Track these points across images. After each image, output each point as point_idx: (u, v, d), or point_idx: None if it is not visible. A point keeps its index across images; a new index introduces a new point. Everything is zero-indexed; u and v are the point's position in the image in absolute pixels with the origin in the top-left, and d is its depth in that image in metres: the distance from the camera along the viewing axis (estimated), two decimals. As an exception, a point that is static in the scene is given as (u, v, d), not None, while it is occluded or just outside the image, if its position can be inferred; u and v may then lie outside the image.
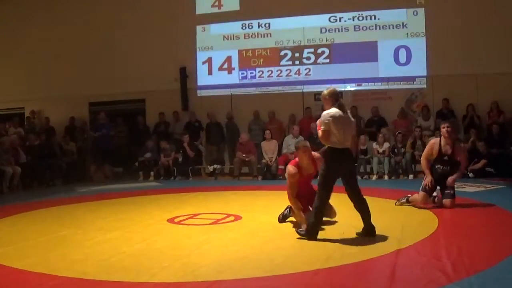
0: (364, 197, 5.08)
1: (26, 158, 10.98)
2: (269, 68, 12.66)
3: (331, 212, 5.55)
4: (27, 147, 11.38)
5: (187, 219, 6.29)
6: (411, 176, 10.38)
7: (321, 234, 5.16)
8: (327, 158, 4.89)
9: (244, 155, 11.26)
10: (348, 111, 5.04)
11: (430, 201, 6.62)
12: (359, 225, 5.56)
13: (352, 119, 5.10)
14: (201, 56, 13.11)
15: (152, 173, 12.00)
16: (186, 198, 8.39)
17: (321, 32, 12.32)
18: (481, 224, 5.44)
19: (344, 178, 4.96)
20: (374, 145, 10.85)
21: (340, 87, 12.16)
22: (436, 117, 11.20)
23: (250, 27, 12.78)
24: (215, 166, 11.71)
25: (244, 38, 12.84)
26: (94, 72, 13.46)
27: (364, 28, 12.03)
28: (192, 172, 11.76)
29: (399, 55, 11.81)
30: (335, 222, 5.78)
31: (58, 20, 13.86)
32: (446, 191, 6.51)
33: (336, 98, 4.88)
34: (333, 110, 4.80)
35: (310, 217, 4.95)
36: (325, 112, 4.83)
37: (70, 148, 12.53)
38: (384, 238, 4.82)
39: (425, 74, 11.63)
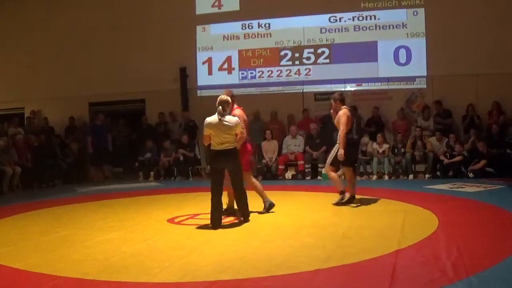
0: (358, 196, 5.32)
1: (27, 158, 10.99)
2: (269, 68, 12.65)
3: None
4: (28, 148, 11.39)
5: (187, 219, 6.29)
6: (411, 176, 10.38)
7: (321, 234, 5.16)
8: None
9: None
10: None
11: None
12: (359, 225, 5.57)
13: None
14: (201, 56, 13.11)
15: (152, 173, 12.00)
16: (186, 198, 8.39)
17: (321, 32, 12.32)
18: (481, 225, 5.44)
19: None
20: (374, 145, 10.86)
21: (340, 87, 12.21)
22: (434, 118, 11.23)
23: (250, 27, 12.78)
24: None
25: (244, 38, 12.84)
26: (94, 72, 13.46)
27: (364, 28, 12.02)
28: (192, 172, 11.76)
29: (399, 55, 11.80)
30: (335, 222, 5.79)
31: (58, 20, 13.87)
32: None
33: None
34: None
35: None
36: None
37: (70, 148, 12.54)
38: (384, 238, 4.82)
39: (425, 74, 11.63)
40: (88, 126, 13.32)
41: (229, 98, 5.83)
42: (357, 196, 7.19)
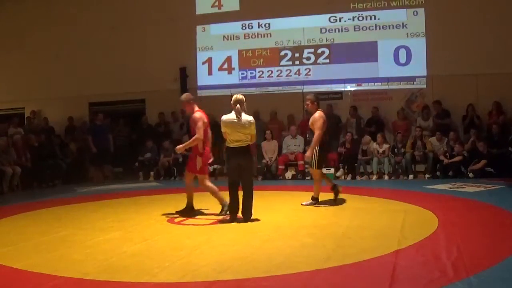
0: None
1: (27, 158, 10.99)
2: (269, 68, 12.66)
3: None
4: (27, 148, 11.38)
5: (187, 219, 6.29)
6: (411, 176, 10.38)
7: (321, 234, 5.17)
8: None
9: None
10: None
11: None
12: (359, 225, 5.57)
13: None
14: (201, 56, 13.12)
15: (152, 173, 12.00)
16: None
17: (321, 32, 12.33)
18: (481, 224, 5.44)
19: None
20: (374, 145, 10.86)
21: (340, 87, 12.21)
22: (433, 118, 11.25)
23: (250, 27, 12.78)
24: (215, 166, 11.70)
25: (244, 38, 12.84)
26: (94, 72, 13.47)
27: (364, 28, 12.03)
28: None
29: (399, 55, 11.81)
30: (335, 222, 5.79)
31: (58, 20, 13.87)
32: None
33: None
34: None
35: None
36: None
37: (70, 149, 12.54)
38: (384, 238, 4.82)
39: (425, 74, 11.63)
40: (87, 126, 13.32)
41: (243, 97, 5.98)
42: (357, 196, 7.19)
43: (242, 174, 5.95)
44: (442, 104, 11.20)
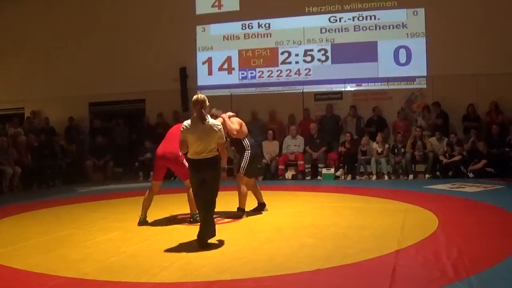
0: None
1: (26, 158, 10.99)
2: (269, 68, 12.65)
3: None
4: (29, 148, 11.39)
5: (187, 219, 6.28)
6: (411, 176, 10.38)
7: (321, 234, 5.16)
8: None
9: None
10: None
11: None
12: (359, 225, 5.57)
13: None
14: (201, 56, 13.11)
15: (152, 173, 11.96)
16: (186, 198, 8.34)
17: (321, 32, 12.32)
18: (481, 224, 5.43)
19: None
20: (374, 145, 10.87)
21: (340, 87, 12.21)
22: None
23: (250, 27, 12.78)
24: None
25: (244, 38, 12.83)
26: (94, 72, 13.47)
27: (364, 28, 12.02)
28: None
29: (399, 55, 11.80)
30: (335, 222, 5.78)
31: (58, 21, 13.87)
32: None
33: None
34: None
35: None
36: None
37: (70, 149, 12.54)
38: (384, 238, 4.82)
39: (425, 74, 11.63)
40: (87, 124, 13.35)
41: (205, 98, 4.95)
42: (357, 196, 7.18)
43: (206, 188, 4.86)
44: (442, 105, 11.18)
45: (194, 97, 4.99)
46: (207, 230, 4.79)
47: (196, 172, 4.91)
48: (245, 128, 6.56)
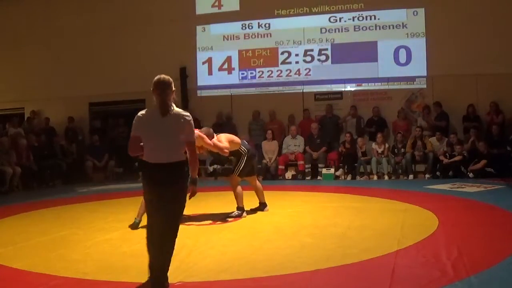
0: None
1: (28, 158, 10.99)
2: (269, 68, 12.65)
3: None
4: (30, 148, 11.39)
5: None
6: (411, 176, 10.38)
7: (321, 234, 5.16)
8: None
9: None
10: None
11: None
12: (359, 225, 5.57)
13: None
14: (201, 56, 13.11)
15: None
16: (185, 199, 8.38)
17: (321, 32, 12.31)
18: (481, 224, 5.44)
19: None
20: (374, 145, 10.87)
21: (340, 87, 12.21)
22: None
23: (250, 27, 12.78)
24: (215, 166, 11.71)
25: (244, 38, 12.83)
26: (94, 72, 13.46)
27: (364, 28, 12.02)
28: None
29: (399, 55, 11.80)
30: (335, 222, 5.79)
31: (58, 20, 13.85)
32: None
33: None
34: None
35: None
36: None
37: (70, 149, 12.53)
38: (384, 238, 4.82)
39: (425, 74, 11.62)
40: (87, 122, 13.36)
41: (171, 79, 3.61)
42: (357, 196, 7.18)
43: (163, 210, 3.46)
44: (443, 105, 11.17)
45: (156, 78, 3.58)
46: (155, 283, 3.38)
47: (150, 183, 3.55)
48: (236, 139, 6.58)
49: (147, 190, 3.60)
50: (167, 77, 3.58)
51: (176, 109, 3.55)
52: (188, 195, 3.62)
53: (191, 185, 3.64)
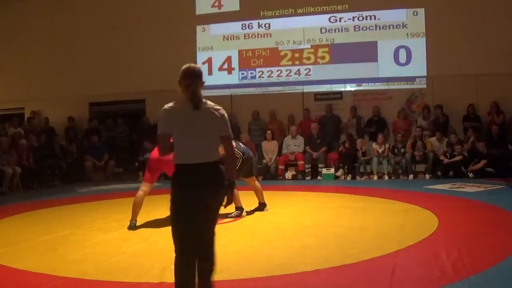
0: None
1: (28, 158, 10.99)
2: (269, 68, 12.65)
3: None
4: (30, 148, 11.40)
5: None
6: (411, 176, 10.38)
7: (321, 235, 5.16)
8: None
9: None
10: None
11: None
12: (359, 226, 5.57)
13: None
14: (201, 56, 13.10)
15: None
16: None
17: (321, 32, 12.31)
18: (481, 224, 5.44)
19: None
20: (374, 145, 10.86)
21: (340, 87, 12.21)
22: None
23: (250, 27, 12.77)
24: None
25: (244, 38, 12.83)
26: (94, 72, 13.46)
27: (364, 28, 12.02)
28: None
29: (399, 55, 11.80)
30: (335, 222, 5.78)
31: (58, 21, 13.86)
32: None
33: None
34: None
35: None
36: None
37: (70, 149, 12.52)
38: (384, 238, 4.82)
39: (425, 74, 11.62)
40: (86, 123, 13.32)
41: (200, 69, 3.23)
42: (357, 196, 7.18)
43: (202, 223, 3.20)
44: (443, 105, 11.16)
45: (185, 66, 3.17)
46: None
47: (189, 187, 3.06)
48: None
49: (182, 197, 3.12)
50: (197, 66, 3.20)
51: (208, 102, 3.11)
52: (224, 203, 3.17)
53: (229, 190, 3.11)
